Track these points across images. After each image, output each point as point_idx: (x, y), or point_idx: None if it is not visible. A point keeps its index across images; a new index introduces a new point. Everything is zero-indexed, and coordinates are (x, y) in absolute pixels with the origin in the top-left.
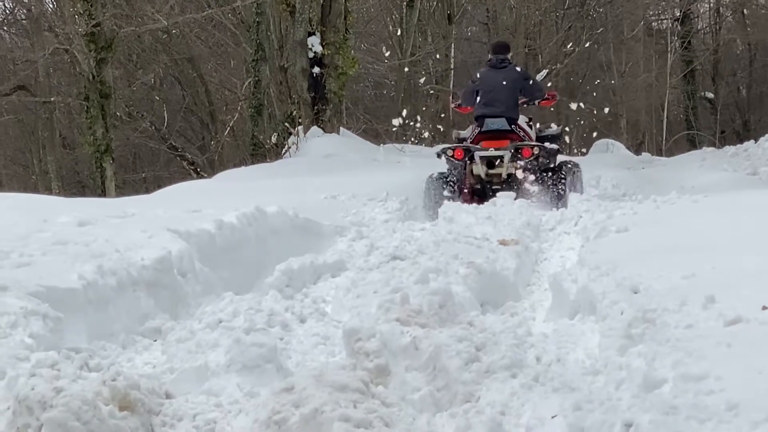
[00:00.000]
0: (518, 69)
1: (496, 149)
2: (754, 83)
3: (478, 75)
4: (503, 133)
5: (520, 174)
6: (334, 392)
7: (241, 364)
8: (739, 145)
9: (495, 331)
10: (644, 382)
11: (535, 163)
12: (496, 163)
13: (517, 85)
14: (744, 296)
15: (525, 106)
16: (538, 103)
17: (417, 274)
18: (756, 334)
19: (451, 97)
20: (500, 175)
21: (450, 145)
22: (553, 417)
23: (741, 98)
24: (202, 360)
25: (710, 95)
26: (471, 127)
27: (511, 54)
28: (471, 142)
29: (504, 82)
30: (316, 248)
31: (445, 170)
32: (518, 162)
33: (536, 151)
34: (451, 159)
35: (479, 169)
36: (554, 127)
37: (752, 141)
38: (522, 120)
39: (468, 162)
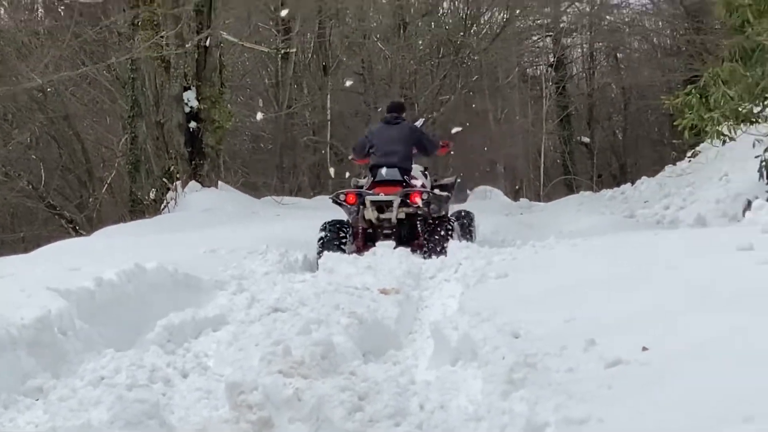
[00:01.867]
0: (410, 126)
1: (386, 194)
2: (629, 126)
3: (372, 130)
4: (396, 183)
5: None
6: None
7: (124, 421)
8: (616, 189)
9: (378, 380)
10: (527, 426)
11: (426, 209)
12: (386, 208)
13: (410, 140)
14: (623, 338)
15: (422, 156)
16: (432, 154)
17: (299, 326)
18: (636, 375)
19: (353, 150)
20: (390, 219)
21: (343, 191)
22: None
23: (617, 142)
24: (84, 418)
25: (586, 139)
26: (368, 177)
27: (405, 114)
28: (366, 189)
29: (397, 137)
30: (197, 303)
31: (339, 218)
32: (407, 208)
33: (425, 196)
34: (344, 204)
35: (370, 213)
36: (449, 178)
37: (629, 184)
38: (417, 170)
39: (361, 207)
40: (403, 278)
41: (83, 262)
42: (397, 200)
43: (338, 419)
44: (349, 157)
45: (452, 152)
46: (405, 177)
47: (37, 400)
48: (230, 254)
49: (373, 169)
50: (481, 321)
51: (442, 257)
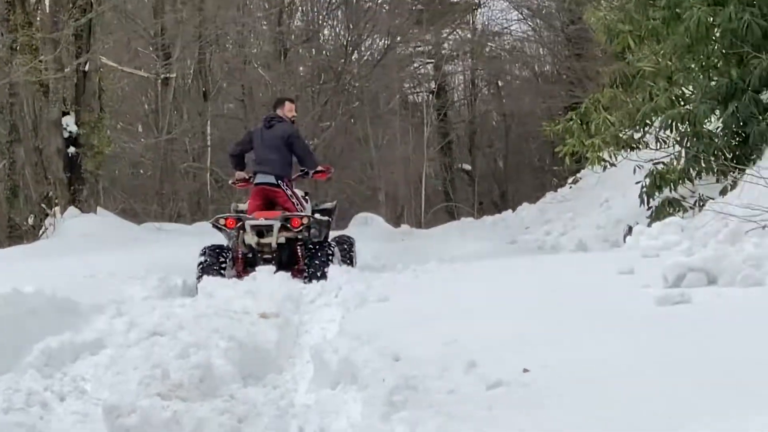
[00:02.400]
0: (285, 129)
1: (266, 219)
2: (511, 153)
3: (253, 130)
4: (272, 190)
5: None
6: None
7: None
8: (497, 215)
9: (257, 403)
10: None
11: (306, 234)
12: (266, 232)
13: (284, 141)
14: (504, 360)
15: (302, 178)
16: (312, 175)
17: (177, 349)
18: (517, 397)
19: (236, 174)
20: (270, 244)
21: (223, 215)
22: None
23: (498, 169)
24: None
25: (468, 167)
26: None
27: (284, 108)
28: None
29: (274, 141)
30: (75, 327)
31: (219, 243)
32: (287, 232)
33: (305, 221)
34: (224, 228)
35: (250, 238)
36: (329, 203)
37: (510, 210)
38: (299, 193)
39: (240, 232)
40: (283, 302)
41: None
42: (277, 225)
43: None
44: (230, 182)
45: (332, 178)
46: (279, 182)
47: None
48: (109, 279)
49: (253, 175)
50: (361, 344)
51: (322, 281)
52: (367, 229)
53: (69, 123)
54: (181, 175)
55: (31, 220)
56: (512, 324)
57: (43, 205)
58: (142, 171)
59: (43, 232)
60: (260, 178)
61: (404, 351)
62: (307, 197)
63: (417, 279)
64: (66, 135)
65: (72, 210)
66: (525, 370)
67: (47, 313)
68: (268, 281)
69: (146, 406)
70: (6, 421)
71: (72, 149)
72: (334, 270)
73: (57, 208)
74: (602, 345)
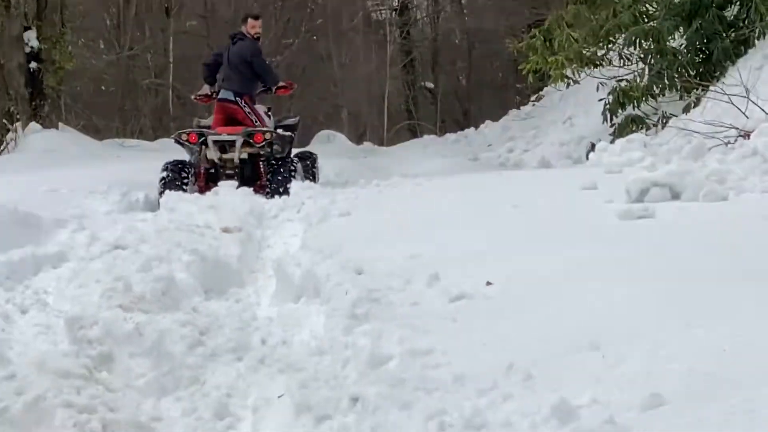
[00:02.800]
0: (249, 44)
1: (228, 134)
2: (473, 72)
3: (222, 47)
4: (231, 107)
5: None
6: (57, 379)
7: None
8: (459, 132)
9: (219, 315)
10: (370, 359)
11: (268, 149)
12: (229, 148)
13: (243, 60)
14: (468, 273)
15: (264, 93)
16: (275, 90)
17: (139, 263)
18: (480, 309)
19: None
20: (233, 160)
21: (186, 130)
22: (279, 396)
23: (461, 87)
24: None
25: (430, 85)
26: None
27: (248, 25)
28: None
29: (236, 57)
30: (37, 241)
31: (182, 159)
32: (250, 148)
33: (268, 136)
34: (186, 143)
35: (212, 153)
36: (292, 119)
37: (473, 128)
38: (261, 109)
39: (203, 147)
40: (245, 217)
41: None
42: (240, 140)
43: (179, 353)
44: (192, 97)
45: (295, 94)
46: (237, 99)
47: None
48: (71, 194)
49: (218, 92)
50: (324, 258)
51: (285, 197)
52: (329, 147)
53: (30, 38)
54: (143, 91)
55: None
56: (475, 238)
57: (5, 121)
58: (104, 87)
59: (4, 148)
60: (222, 94)
61: (367, 265)
62: (269, 113)
63: (380, 194)
64: (27, 50)
65: (33, 125)
66: (488, 283)
67: (8, 227)
68: (231, 196)
69: (108, 318)
70: None
71: (33, 64)
72: (297, 185)
73: (18, 124)
74: (565, 257)
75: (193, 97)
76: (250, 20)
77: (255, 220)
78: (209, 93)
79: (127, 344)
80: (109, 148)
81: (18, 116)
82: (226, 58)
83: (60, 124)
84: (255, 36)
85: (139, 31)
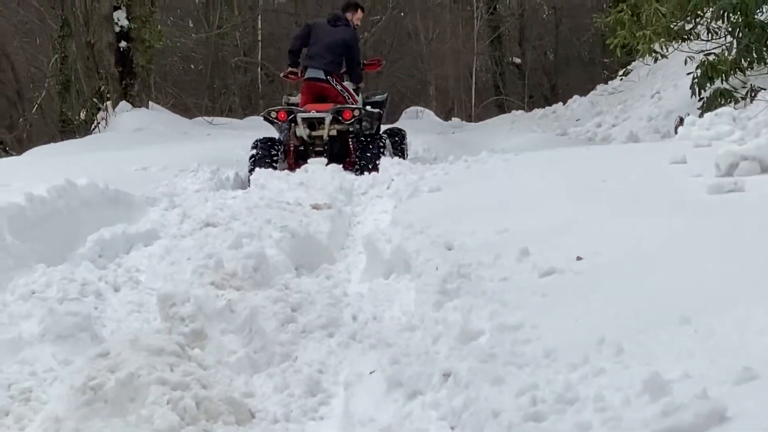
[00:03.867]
0: (350, 33)
1: (317, 111)
2: (560, 47)
3: (314, 23)
4: (322, 86)
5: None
6: (150, 356)
7: (55, 334)
8: (547, 108)
9: (310, 292)
10: (461, 334)
11: (357, 126)
12: (318, 125)
13: (344, 46)
14: (557, 248)
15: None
16: (364, 67)
17: (230, 240)
18: (570, 284)
19: (291, 41)
20: (322, 137)
21: (275, 108)
22: (371, 372)
23: (548, 62)
24: (15, 332)
25: (518, 60)
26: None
27: (353, 15)
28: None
29: (333, 39)
30: (128, 219)
31: (271, 136)
32: (339, 125)
33: (356, 113)
34: (276, 121)
35: (302, 131)
36: (380, 95)
37: (560, 103)
38: (349, 86)
39: (292, 125)
40: (335, 194)
41: (13, 180)
42: (328, 117)
43: (271, 330)
44: (281, 75)
45: (382, 70)
46: (328, 78)
47: None
48: (162, 172)
49: (305, 68)
50: (414, 233)
51: (374, 173)
52: (418, 122)
53: (120, 17)
54: (232, 69)
55: (83, 115)
56: (564, 212)
57: (95, 100)
58: (193, 66)
59: (95, 127)
60: (310, 73)
61: (457, 240)
62: (358, 90)
63: (468, 170)
64: (117, 29)
65: (124, 104)
66: (578, 258)
67: (100, 205)
68: (320, 173)
69: (200, 295)
70: (61, 310)
71: (123, 44)
72: (386, 162)
73: (109, 103)
74: (655, 232)
75: (282, 74)
76: (359, 11)
77: (345, 197)
78: (296, 71)
79: (219, 321)
80: (198, 127)
81: (108, 95)
82: (319, 36)
83: (150, 102)
84: (356, 26)
85: (228, 9)
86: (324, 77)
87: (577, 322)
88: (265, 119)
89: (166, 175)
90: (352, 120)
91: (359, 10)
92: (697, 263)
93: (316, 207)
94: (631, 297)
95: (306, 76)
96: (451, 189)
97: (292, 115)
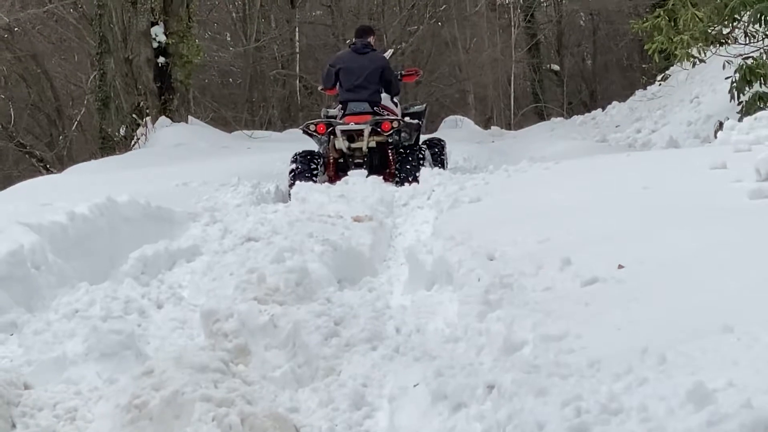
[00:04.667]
0: (380, 58)
1: (356, 123)
2: (599, 53)
3: (338, 57)
4: (366, 114)
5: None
6: (195, 373)
7: (99, 352)
8: (587, 114)
9: (353, 305)
10: (504, 345)
11: (396, 137)
12: (357, 137)
13: (379, 71)
14: (599, 256)
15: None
16: (402, 78)
17: (272, 254)
18: (613, 293)
19: (322, 79)
20: (361, 149)
21: (314, 120)
22: (415, 385)
23: (586, 69)
24: (59, 350)
25: (556, 67)
26: (338, 107)
27: (373, 38)
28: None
29: (367, 68)
30: (170, 235)
31: (310, 149)
32: (378, 136)
33: (395, 125)
34: (315, 133)
35: (341, 143)
36: (419, 106)
37: (600, 109)
38: (386, 99)
39: (331, 137)
40: (376, 206)
41: (55, 198)
42: (367, 129)
43: (314, 344)
44: (319, 88)
45: (421, 80)
46: (375, 108)
47: (12, 334)
48: (202, 187)
49: (343, 104)
50: (455, 244)
51: (414, 184)
52: (457, 132)
53: (158, 33)
54: (271, 82)
55: (122, 131)
56: (606, 221)
57: (135, 116)
58: (231, 79)
59: (134, 143)
60: (355, 108)
61: (498, 250)
62: (395, 100)
63: (508, 179)
64: (155, 45)
65: (163, 120)
66: (620, 266)
67: (142, 222)
68: (361, 185)
69: (243, 311)
70: (105, 328)
71: (161, 59)
72: (426, 172)
73: (148, 118)
74: (696, 239)
75: (320, 88)
76: (373, 36)
77: (385, 209)
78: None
79: (262, 336)
80: (238, 140)
81: (148, 111)
82: (351, 67)
83: (189, 117)
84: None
85: (265, 23)
86: (371, 109)
87: (620, 331)
88: (304, 132)
89: (207, 189)
90: (391, 131)
91: (373, 35)
92: (740, 270)
93: (357, 219)
94: (673, 305)
95: (349, 111)
96: (491, 199)
97: (331, 128)
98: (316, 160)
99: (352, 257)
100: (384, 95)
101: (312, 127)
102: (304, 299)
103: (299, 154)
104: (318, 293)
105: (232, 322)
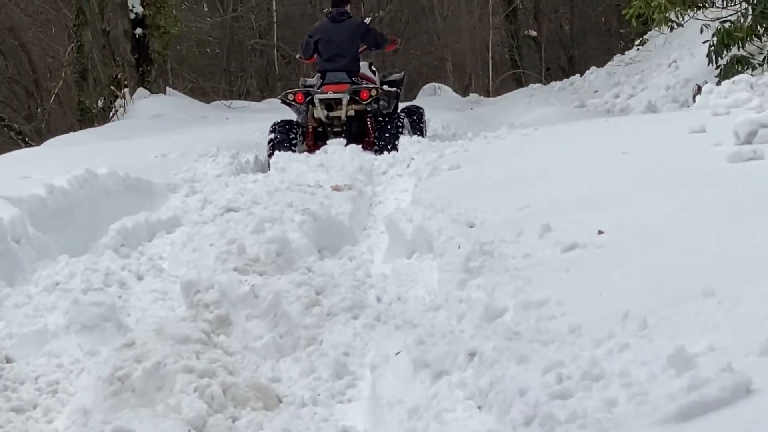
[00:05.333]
0: (357, 22)
1: (334, 92)
2: (576, 19)
3: (316, 28)
4: (345, 84)
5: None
6: (176, 345)
7: (80, 325)
8: (565, 80)
9: (334, 274)
10: (485, 313)
11: (375, 106)
12: (335, 105)
13: (356, 37)
14: (579, 222)
15: (368, 51)
16: (383, 48)
17: (252, 225)
18: (593, 259)
19: (300, 49)
20: (340, 117)
21: (292, 90)
22: (396, 353)
23: (564, 34)
24: (41, 323)
25: (534, 33)
26: (317, 76)
27: (349, 6)
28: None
29: (344, 36)
30: (150, 207)
31: (289, 118)
32: (357, 105)
33: (374, 93)
34: (293, 103)
35: (319, 112)
36: (397, 74)
37: (578, 75)
38: (365, 67)
39: (310, 106)
40: (355, 174)
41: (34, 171)
42: (346, 98)
43: (296, 314)
44: (297, 57)
45: (399, 49)
46: (353, 78)
47: None
48: (181, 158)
49: (322, 73)
50: (435, 212)
51: (394, 152)
52: (436, 99)
53: (134, 4)
54: (248, 52)
55: (101, 103)
56: (585, 186)
57: (113, 87)
58: (209, 50)
59: (113, 114)
60: (333, 77)
61: (478, 217)
62: (373, 68)
63: (488, 146)
64: (132, 16)
65: (141, 91)
66: (600, 232)
67: (121, 194)
68: (340, 154)
69: (224, 281)
70: (85, 300)
71: (139, 30)
72: (405, 140)
73: (126, 90)
74: (676, 203)
75: (297, 56)
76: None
77: (365, 177)
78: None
79: (243, 307)
80: (216, 111)
81: (126, 82)
82: (328, 36)
83: (167, 88)
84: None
85: None
86: (349, 79)
87: (601, 297)
88: (283, 102)
89: (186, 160)
90: (370, 99)
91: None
92: (720, 234)
93: (336, 188)
94: (654, 270)
95: (327, 81)
96: (471, 166)
97: (310, 97)
98: (295, 129)
99: (332, 226)
100: (363, 63)
101: (291, 97)
102: (284, 269)
103: (278, 123)
104: (298, 263)
105: (212, 292)
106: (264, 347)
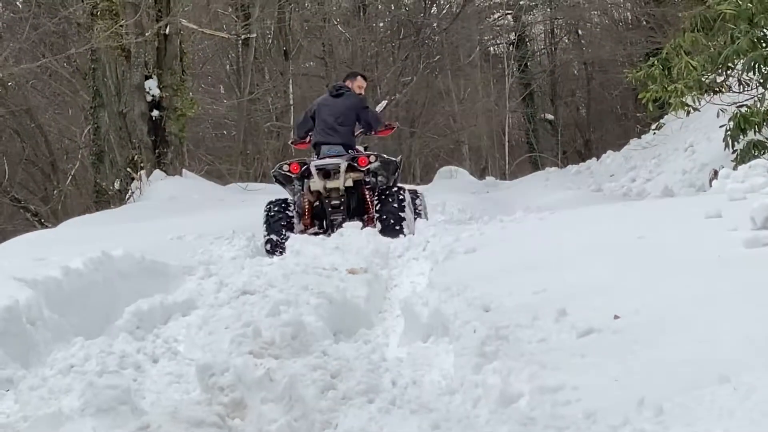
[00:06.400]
0: (354, 97)
1: (332, 159)
2: (593, 102)
3: (315, 102)
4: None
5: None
6: (191, 428)
7: (95, 407)
8: (581, 164)
9: (349, 358)
10: (501, 398)
11: (374, 179)
12: (333, 174)
13: (353, 112)
14: (595, 307)
15: (362, 136)
16: (375, 133)
17: (268, 307)
18: (609, 344)
19: (292, 133)
20: (338, 189)
21: (286, 161)
22: None
23: (581, 117)
24: (55, 406)
25: (550, 116)
26: (311, 151)
27: (354, 82)
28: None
29: (341, 110)
30: (165, 289)
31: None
32: (355, 173)
33: (372, 159)
34: (288, 174)
35: (317, 183)
36: (394, 157)
37: (594, 159)
38: (361, 149)
39: (306, 180)
40: (371, 257)
41: (50, 253)
42: (344, 164)
43: (311, 398)
44: (290, 142)
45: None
46: (349, 152)
47: (7, 390)
48: (197, 240)
49: (316, 146)
50: (451, 296)
51: (410, 236)
52: (452, 182)
53: (152, 87)
54: (265, 134)
55: (117, 185)
56: (601, 271)
57: (129, 169)
58: (225, 132)
59: (129, 196)
60: (327, 150)
61: (494, 301)
62: (368, 152)
63: (504, 230)
64: (149, 99)
65: (157, 173)
66: (616, 317)
67: (137, 276)
68: (355, 237)
69: (239, 365)
70: (100, 383)
71: (156, 112)
72: (422, 224)
73: (143, 172)
74: (692, 288)
75: (290, 142)
76: (359, 78)
77: (381, 260)
78: (305, 139)
79: (258, 390)
80: (232, 193)
81: (142, 164)
82: (326, 109)
83: (183, 170)
84: (359, 94)
85: (259, 75)
86: (345, 152)
87: (617, 382)
88: (276, 179)
89: (202, 243)
90: (369, 165)
91: (359, 78)
92: (736, 320)
93: (352, 272)
94: (669, 356)
95: (322, 155)
96: (486, 250)
97: (306, 166)
98: (291, 209)
99: (347, 310)
100: (358, 147)
101: (285, 167)
102: (300, 352)
103: (273, 203)
104: (314, 346)
105: (227, 376)
106: (279, 431)
